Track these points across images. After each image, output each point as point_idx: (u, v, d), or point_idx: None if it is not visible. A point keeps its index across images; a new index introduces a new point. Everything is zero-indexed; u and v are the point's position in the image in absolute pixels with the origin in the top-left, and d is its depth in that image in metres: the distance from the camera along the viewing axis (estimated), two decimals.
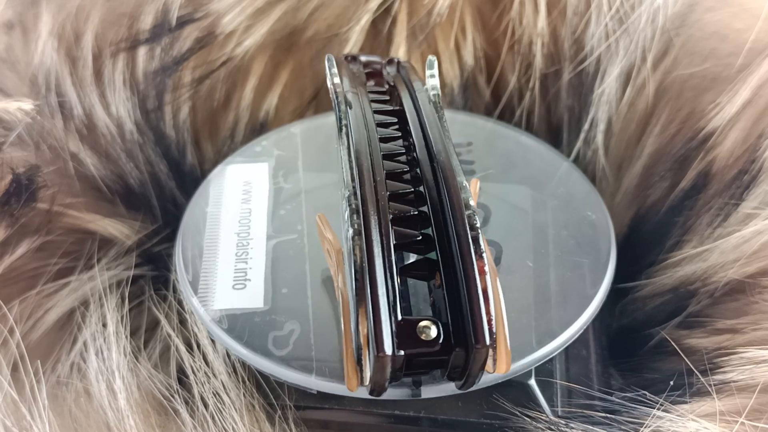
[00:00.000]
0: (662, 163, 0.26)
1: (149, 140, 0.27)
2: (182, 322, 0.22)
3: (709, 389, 0.19)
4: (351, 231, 0.17)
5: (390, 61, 0.24)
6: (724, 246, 0.23)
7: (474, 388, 0.18)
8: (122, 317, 0.22)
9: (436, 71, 0.22)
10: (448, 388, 0.19)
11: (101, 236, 0.25)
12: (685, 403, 0.19)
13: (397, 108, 0.21)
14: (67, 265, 0.24)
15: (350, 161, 0.18)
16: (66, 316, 0.24)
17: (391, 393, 0.18)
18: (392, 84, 0.23)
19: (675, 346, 0.22)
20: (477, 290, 0.16)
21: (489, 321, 0.16)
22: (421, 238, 0.17)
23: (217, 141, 0.29)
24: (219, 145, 0.29)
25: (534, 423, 0.19)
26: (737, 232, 0.22)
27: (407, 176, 0.19)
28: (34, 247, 0.24)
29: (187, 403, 0.20)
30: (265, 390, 0.20)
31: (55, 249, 0.24)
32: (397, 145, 0.20)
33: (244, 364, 0.20)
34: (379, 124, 0.20)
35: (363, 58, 0.24)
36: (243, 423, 0.19)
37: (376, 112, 0.21)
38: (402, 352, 0.16)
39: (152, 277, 0.26)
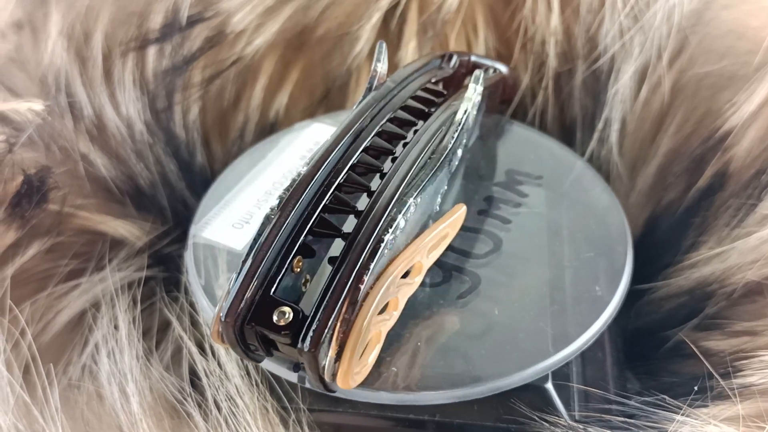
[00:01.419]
0: (678, 163, 0.26)
1: (159, 140, 0.27)
2: (194, 323, 0.22)
3: (730, 393, 0.19)
4: (276, 201, 0.17)
5: (474, 67, 0.24)
6: (741, 247, 0.22)
7: (489, 393, 0.18)
8: (134, 319, 0.22)
9: (476, 88, 0.20)
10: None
11: (112, 237, 0.25)
12: (705, 407, 0.19)
13: (421, 111, 0.21)
14: (77, 267, 0.24)
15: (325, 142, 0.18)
16: (77, 318, 0.24)
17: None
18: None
19: (694, 349, 0.21)
20: (336, 301, 0.16)
21: (334, 331, 0.16)
22: (340, 233, 0.17)
23: (226, 141, 0.29)
24: (229, 146, 0.29)
25: (552, 428, 0.19)
26: (755, 233, 0.22)
27: (371, 175, 0.19)
28: (45, 249, 0.24)
29: (200, 406, 0.20)
30: (278, 393, 0.20)
31: (65, 250, 0.24)
32: (384, 143, 0.19)
33: (257, 367, 0.20)
34: (393, 119, 0.20)
35: (456, 60, 0.24)
36: (257, 426, 0.19)
37: (402, 107, 0.20)
38: (250, 325, 0.16)
39: (163, 279, 0.25)
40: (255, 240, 0.17)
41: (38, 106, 0.24)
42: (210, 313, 0.21)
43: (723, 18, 0.25)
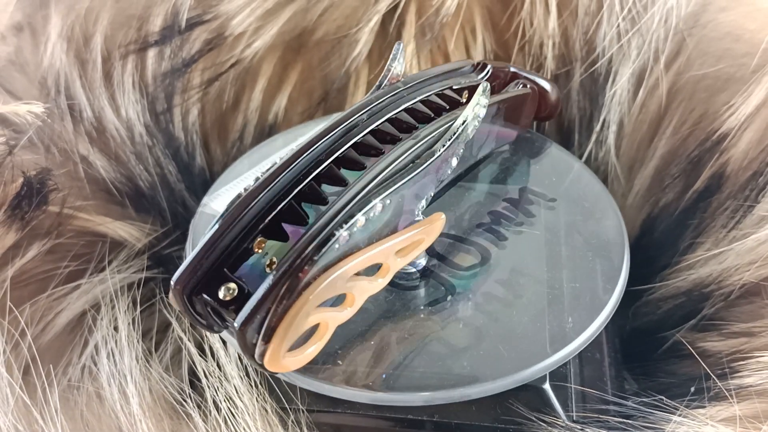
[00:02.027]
0: (675, 165, 0.26)
1: (159, 142, 0.27)
2: (193, 325, 0.22)
3: (727, 394, 0.19)
4: (252, 181, 0.17)
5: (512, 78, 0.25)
6: (739, 248, 0.22)
7: (487, 394, 0.18)
8: (133, 320, 0.22)
9: (479, 100, 0.20)
10: None
11: (111, 239, 0.25)
12: (702, 407, 0.19)
13: (426, 115, 0.21)
14: (77, 268, 0.24)
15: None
16: (77, 319, 0.24)
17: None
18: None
19: (691, 350, 0.21)
20: (275, 286, 0.16)
21: (268, 314, 0.16)
22: (305, 222, 0.17)
23: (226, 143, 0.29)
24: (228, 148, 0.29)
25: (549, 428, 0.19)
26: (752, 235, 0.22)
27: (356, 171, 0.19)
28: (45, 250, 0.24)
29: (199, 407, 0.20)
30: (277, 394, 0.20)
31: (65, 252, 0.24)
32: (375, 142, 0.19)
33: (256, 369, 0.20)
34: (394, 120, 0.20)
35: (489, 70, 0.23)
36: (256, 427, 0.19)
37: (407, 110, 0.20)
38: (199, 295, 0.17)
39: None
40: (221, 215, 0.17)
41: (38, 108, 0.24)
42: None
43: (720, 21, 0.25)
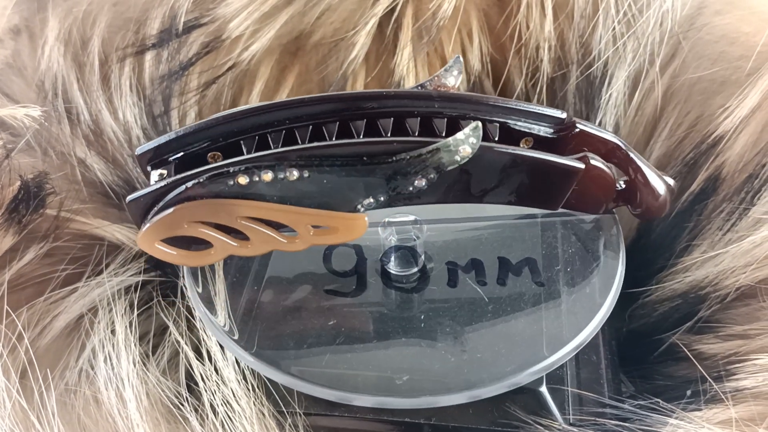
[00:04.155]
0: (671, 168, 0.26)
1: None
2: (190, 328, 0.22)
3: (723, 397, 0.19)
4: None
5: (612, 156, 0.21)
6: (734, 251, 0.22)
7: (484, 397, 0.18)
8: (130, 323, 0.22)
9: (467, 135, 0.19)
10: None
11: (109, 242, 0.25)
12: (699, 410, 0.19)
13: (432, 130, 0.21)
14: (74, 271, 0.24)
15: None
16: (74, 323, 0.24)
17: None
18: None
19: (687, 352, 0.21)
20: (165, 187, 0.19)
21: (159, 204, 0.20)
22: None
23: None
24: None
25: (546, 431, 0.19)
26: (748, 237, 0.22)
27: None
28: (42, 254, 0.24)
29: (196, 411, 0.20)
30: (275, 398, 0.20)
31: (62, 255, 0.24)
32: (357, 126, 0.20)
33: (254, 372, 0.20)
34: (398, 117, 0.20)
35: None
36: (253, 431, 0.19)
37: (419, 115, 0.20)
38: (149, 167, 0.20)
39: (160, 283, 0.25)
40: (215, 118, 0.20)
41: (35, 111, 0.24)
42: (207, 318, 0.21)
43: (715, 24, 0.25)
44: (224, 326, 0.20)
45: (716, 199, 0.24)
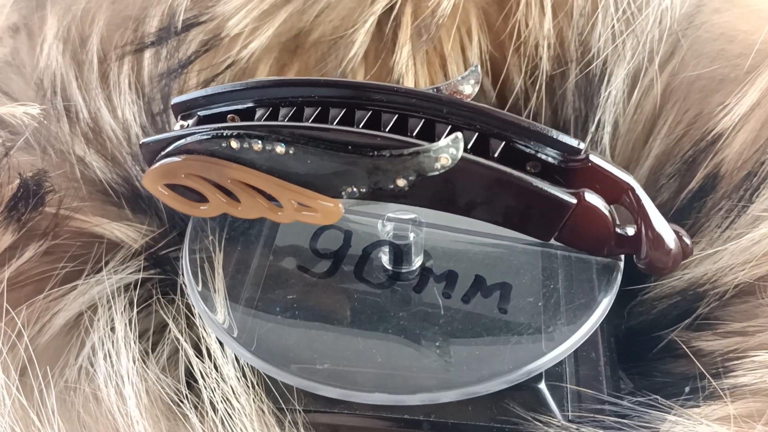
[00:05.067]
0: (670, 165, 0.26)
1: None
2: (190, 325, 0.22)
3: (722, 393, 0.19)
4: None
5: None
6: (733, 248, 0.23)
7: (483, 393, 0.18)
8: (130, 321, 0.22)
9: (450, 145, 0.18)
10: None
11: (108, 240, 0.25)
12: (697, 407, 0.19)
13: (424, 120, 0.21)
14: (74, 269, 0.24)
15: None
16: (73, 320, 0.24)
17: None
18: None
19: (685, 349, 0.21)
20: (172, 137, 0.21)
21: (163, 151, 0.22)
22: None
23: None
24: None
25: (545, 428, 0.19)
26: (747, 234, 0.22)
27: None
28: (41, 251, 0.24)
29: (196, 408, 0.20)
30: (274, 395, 0.20)
31: (62, 253, 0.24)
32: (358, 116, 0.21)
33: (253, 369, 0.20)
34: (407, 114, 0.20)
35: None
36: (253, 428, 0.19)
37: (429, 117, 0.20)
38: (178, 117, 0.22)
39: (159, 281, 0.26)
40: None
41: (34, 109, 0.24)
42: (207, 316, 0.21)
43: (714, 22, 0.25)
44: (223, 323, 0.21)
45: (715, 196, 0.24)
